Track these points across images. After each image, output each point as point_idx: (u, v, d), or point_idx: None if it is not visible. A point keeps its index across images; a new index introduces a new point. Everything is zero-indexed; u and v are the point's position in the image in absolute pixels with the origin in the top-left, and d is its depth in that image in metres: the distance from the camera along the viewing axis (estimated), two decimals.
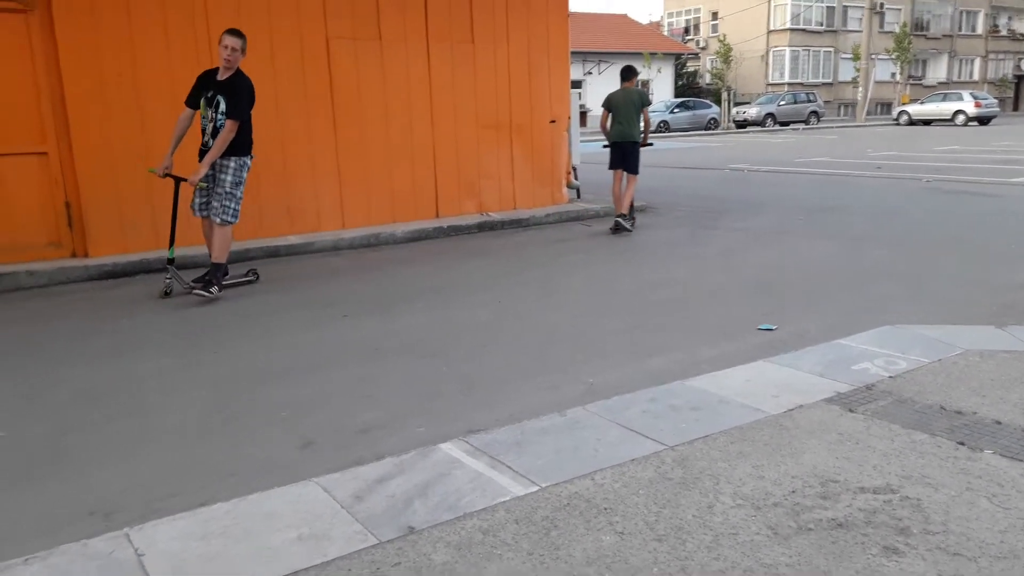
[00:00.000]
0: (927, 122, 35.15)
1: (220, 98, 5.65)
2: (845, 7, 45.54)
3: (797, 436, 3.08)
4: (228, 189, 5.71)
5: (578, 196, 10.45)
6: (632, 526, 2.44)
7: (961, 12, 49.82)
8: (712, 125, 35.08)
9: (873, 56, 40.59)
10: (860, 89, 39.55)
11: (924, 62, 48.91)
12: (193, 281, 5.87)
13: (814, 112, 37.01)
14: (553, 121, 9.83)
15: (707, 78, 46.13)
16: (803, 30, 44.76)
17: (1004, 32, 51.43)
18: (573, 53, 10.73)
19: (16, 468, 3.07)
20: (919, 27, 47.70)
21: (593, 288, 6.13)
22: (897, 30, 43.43)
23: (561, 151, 10.07)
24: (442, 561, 2.25)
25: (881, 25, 43.89)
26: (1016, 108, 51.49)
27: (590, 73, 38.32)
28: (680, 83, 43.03)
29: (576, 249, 7.85)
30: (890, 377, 3.70)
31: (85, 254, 6.90)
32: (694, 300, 5.63)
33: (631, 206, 8.70)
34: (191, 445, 3.28)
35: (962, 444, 2.95)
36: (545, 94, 9.73)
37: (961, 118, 33.79)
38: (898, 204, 10.27)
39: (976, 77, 50.32)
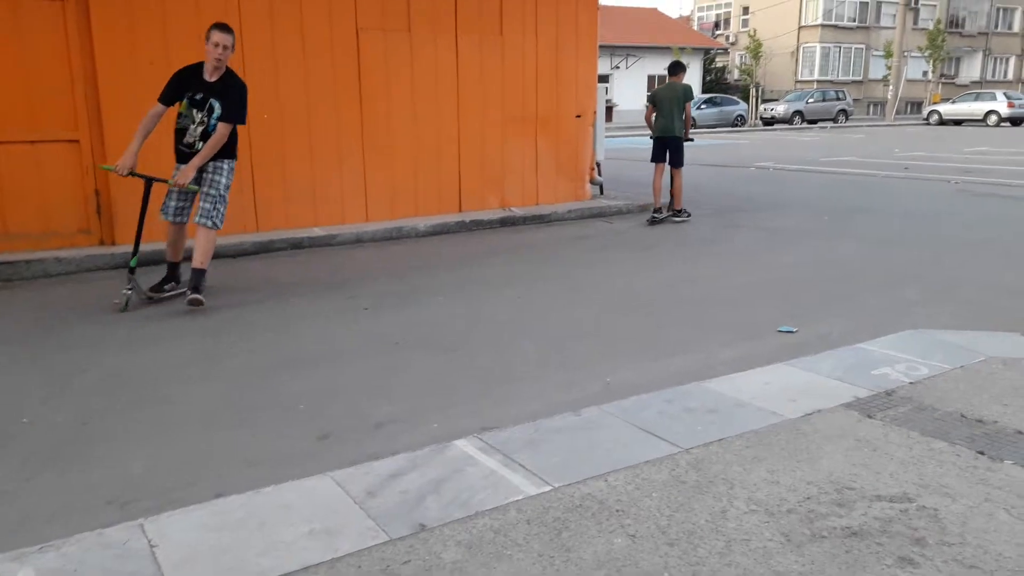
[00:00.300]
0: (958, 122, 34.57)
1: (214, 102, 5.28)
2: (879, 3, 44.84)
3: (814, 441, 3.05)
4: (222, 192, 5.37)
5: (601, 192, 10.40)
6: (644, 529, 2.43)
7: (998, 9, 48.85)
8: (739, 122, 34.75)
9: (905, 53, 39.98)
10: (891, 87, 38.96)
11: (958, 60, 48.04)
12: (151, 289, 5.46)
13: (843, 110, 36.54)
14: (579, 115, 9.79)
15: (735, 74, 45.71)
16: (835, 26, 44.15)
17: None
18: (601, 47, 10.68)
19: (38, 455, 3.12)
20: (954, 24, 46.86)
21: (613, 286, 6.11)
22: (931, 27, 42.70)
23: (586, 146, 10.02)
24: (452, 560, 2.26)
25: (915, 22, 43.16)
26: None
27: (618, 67, 38.13)
28: (708, 79, 42.68)
29: (598, 246, 7.82)
30: (911, 383, 3.65)
31: (113, 242, 6.99)
32: (715, 299, 5.59)
33: (679, 200, 9.12)
34: (210, 435, 3.32)
35: (982, 454, 2.91)
36: (571, 87, 9.69)
37: (993, 118, 33.19)
38: (925, 206, 10.12)
39: (1011, 77, 49.35)
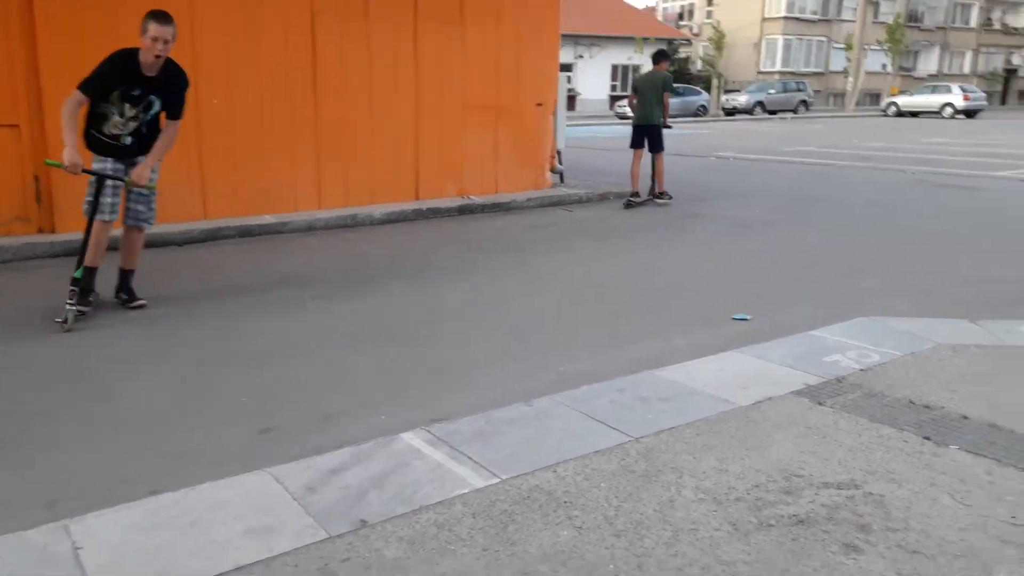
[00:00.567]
0: (915, 114, 35.20)
1: (153, 98, 4.74)
2: None
3: (764, 429, 3.04)
4: (155, 191, 4.91)
5: (561, 181, 10.36)
6: (591, 520, 2.39)
7: (956, 4, 49.77)
8: (701, 112, 34.97)
9: (865, 46, 40.58)
10: (851, 79, 39.52)
11: (916, 54, 48.87)
12: (95, 299, 4.85)
13: (803, 101, 36.99)
14: (540, 104, 9.72)
15: (699, 64, 45.96)
16: (797, 19, 44.63)
17: (997, 26, 51.45)
18: (564, 36, 10.63)
19: None
20: (913, 19, 47.64)
21: (572, 274, 6.07)
22: (891, 21, 43.36)
23: (547, 134, 9.96)
24: (393, 557, 2.19)
25: (875, 15, 43.82)
26: (1004, 102, 51.57)
27: (581, 56, 38.11)
28: (671, 69, 42.80)
29: (557, 235, 7.78)
30: (861, 370, 3.66)
31: (52, 229, 6.76)
32: (673, 288, 5.58)
33: (653, 184, 9.46)
34: (150, 430, 3.20)
35: (928, 439, 2.92)
36: (533, 76, 9.60)
37: (949, 111, 33.89)
38: (882, 196, 10.25)
39: (967, 70, 50.35)
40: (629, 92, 9.54)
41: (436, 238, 7.53)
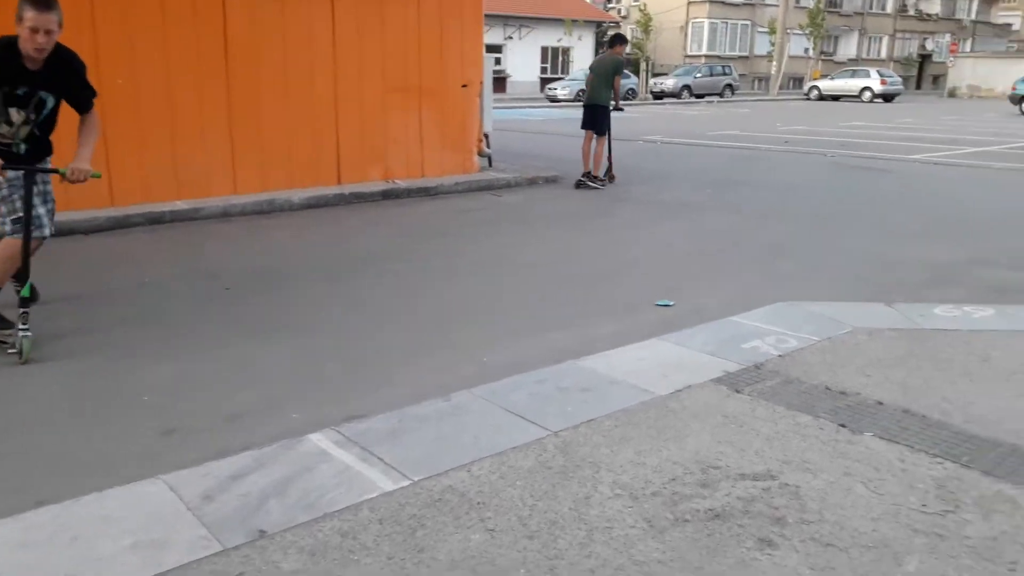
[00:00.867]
0: (836, 97, 36.22)
1: (44, 95, 3.87)
2: None
3: (682, 419, 3.00)
4: (52, 195, 4.15)
5: (490, 164, 10.23)
6: (504, 522, 2.31)
7: None
8: (630, 96, 35.17)
9: (788, 31, 41.43)
10: (774, 63, 40.35)
11: (836, 38, 50.19)
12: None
13: (729, 85, 37.57)
14: (465, 85, 9.54)
15: (627, 47, 46.19)
16: (722, 2, 45.21)
17: (912, 12, 53.24)
18: (494, 16, 10.49)
19: None
20: (832, 4, 48.84)
21: (498, 260, 5.97)
22: (812, 6, 44.38)
23: (473, 117, 9.80)
24: (291, 569, 2.06)
25: (797, 0, 44.76)
26: (919, 86, 53.53)
27: (511, 38, 37.84)
28: (600, 51, 43.01)
29: (484, 220, 7.66)
30: (779, 356, 3.67)
31: None
32: (598, 274, 5.54)
33: (610, 165, 9.67)
34: (44, 435, 2.97)
35: (844, 426, 2.93)
36: (457, 57, 9.41)
37: (867, 95, 34.99)
38: (802, 179, 10.45)
39: (884, 55, 52.01)
40: (587, 74, 10.02)
41: (358, 224, 7.32)
